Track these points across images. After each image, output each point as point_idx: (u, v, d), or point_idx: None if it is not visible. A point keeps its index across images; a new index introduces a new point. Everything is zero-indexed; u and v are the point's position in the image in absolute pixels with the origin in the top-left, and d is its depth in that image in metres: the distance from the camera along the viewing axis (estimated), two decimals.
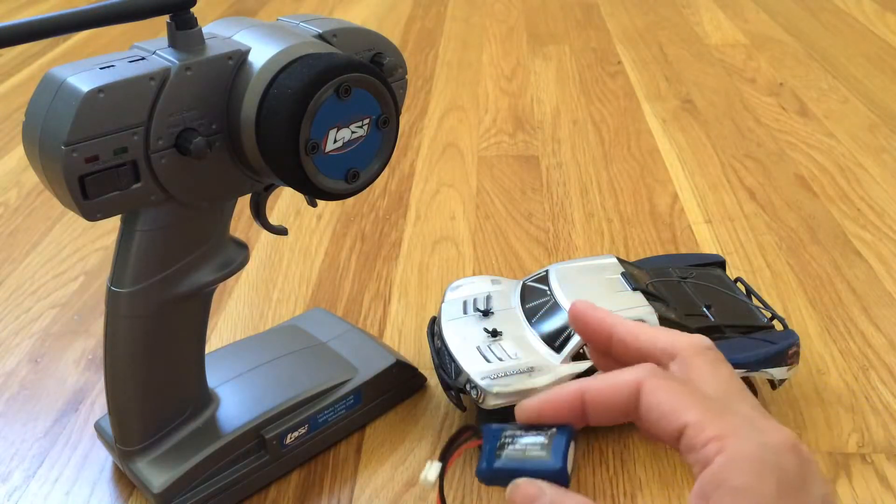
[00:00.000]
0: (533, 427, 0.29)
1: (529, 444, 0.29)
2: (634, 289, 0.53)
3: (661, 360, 0.30)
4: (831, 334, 0.63)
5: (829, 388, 0.57)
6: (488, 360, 0.50)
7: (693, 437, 0.25)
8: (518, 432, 0.29)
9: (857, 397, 0.56)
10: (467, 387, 0.50)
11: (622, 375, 0.28)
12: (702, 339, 0.29)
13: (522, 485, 0.28)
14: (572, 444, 0.29)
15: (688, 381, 0.28)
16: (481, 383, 0.49)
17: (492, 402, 0.49)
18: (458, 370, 0.51)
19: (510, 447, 0.29)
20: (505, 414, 0.50)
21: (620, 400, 0.28)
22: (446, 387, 0.52)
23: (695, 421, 0.25)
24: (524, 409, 0.30)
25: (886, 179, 0.85)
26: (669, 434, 0.26)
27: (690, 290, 0.56)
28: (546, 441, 0.29)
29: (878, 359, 0.60)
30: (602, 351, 0.32)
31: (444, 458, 0.29)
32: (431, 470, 0.29)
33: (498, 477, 0.29)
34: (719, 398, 0.27)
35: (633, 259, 0.68)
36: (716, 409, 0.26)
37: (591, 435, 0.53)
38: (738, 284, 0.59)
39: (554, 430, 0.29)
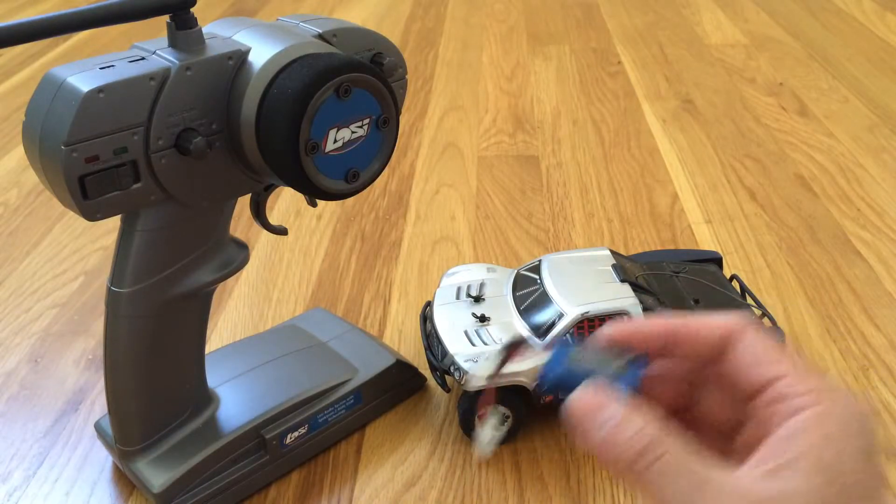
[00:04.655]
0: (608, 350, 0.29)
1: (604, 362, 0.29)
2: (623, 280, 0.53)
3: (719, 344, 0.30)
4: (831, 334, 0.63)
5: None
6: (473, 344, 0.52)
7: (789, 385, 0.27)
8: (591, 353, 0.29)
9: (857, 397, 0.56)
10: (451, 368, 0.52)
11: (715, 318, 0.30)
12: (744, 315, 0.30)
13: (584, 393, 0.27)
14: None
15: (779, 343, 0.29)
16: (464, 365, 0.51)
17: (473, 384, 0.50)
18: (444, 352, 0.52)
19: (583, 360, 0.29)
20: None
21: (711, 340, 0.29)
22: (432, 368, 0.54)
23: (793, 373, 0.27)
24: (613, 331, 0.30)
25: (886, 179, 0.85)
26: (755, 380, 0.28)
27: (681, 285, 0.57)
28: (623, 364, 0.29)
29: (878, 359, 0.60)
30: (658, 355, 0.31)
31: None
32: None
33: (561, 385, 0.28)
34: (802, 362, 0.29)
35: None
36: (808, 370, 0.28)
37: None
38: (733, 282, 0.59)
39: (630, 357, 0.29)
